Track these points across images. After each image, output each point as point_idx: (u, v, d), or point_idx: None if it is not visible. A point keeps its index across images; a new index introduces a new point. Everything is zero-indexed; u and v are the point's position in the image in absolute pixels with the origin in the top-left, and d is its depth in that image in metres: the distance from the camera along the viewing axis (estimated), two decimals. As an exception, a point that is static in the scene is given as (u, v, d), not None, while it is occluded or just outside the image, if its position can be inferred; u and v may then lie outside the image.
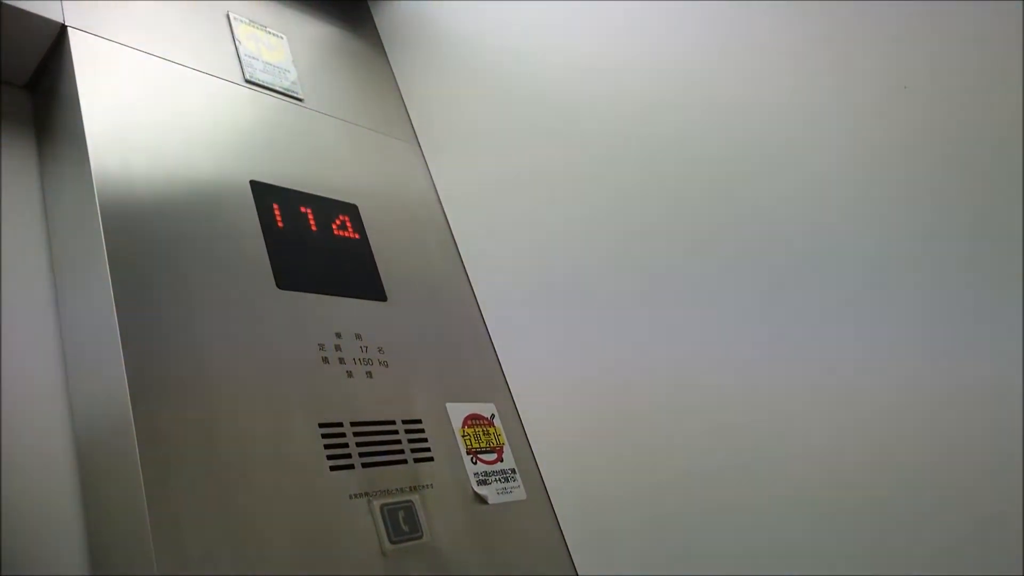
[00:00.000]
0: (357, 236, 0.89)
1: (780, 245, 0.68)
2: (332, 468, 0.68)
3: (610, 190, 0.83)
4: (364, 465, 0.70)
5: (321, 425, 0.69)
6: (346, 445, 0.70)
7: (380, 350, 0.80)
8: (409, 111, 1.13)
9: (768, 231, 0.69)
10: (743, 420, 0.70)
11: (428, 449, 0.77)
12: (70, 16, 0.76)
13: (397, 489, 0.71)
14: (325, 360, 0.74)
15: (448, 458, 0.79)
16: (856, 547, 0.62)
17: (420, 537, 0.70)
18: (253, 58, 0.94)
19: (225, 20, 0.95)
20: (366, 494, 0.69)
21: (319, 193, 0.88)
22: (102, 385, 0.62)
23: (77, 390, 0.67)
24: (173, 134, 0.77)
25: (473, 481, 0.79)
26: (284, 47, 1.01)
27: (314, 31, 1.09)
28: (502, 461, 0.85)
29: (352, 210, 0.91)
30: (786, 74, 0.69)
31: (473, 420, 0.85)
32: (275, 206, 0.81)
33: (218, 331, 0.67)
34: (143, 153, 0.73)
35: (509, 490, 0.82)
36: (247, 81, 0.91)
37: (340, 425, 0.71)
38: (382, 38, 1.20)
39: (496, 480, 0.82)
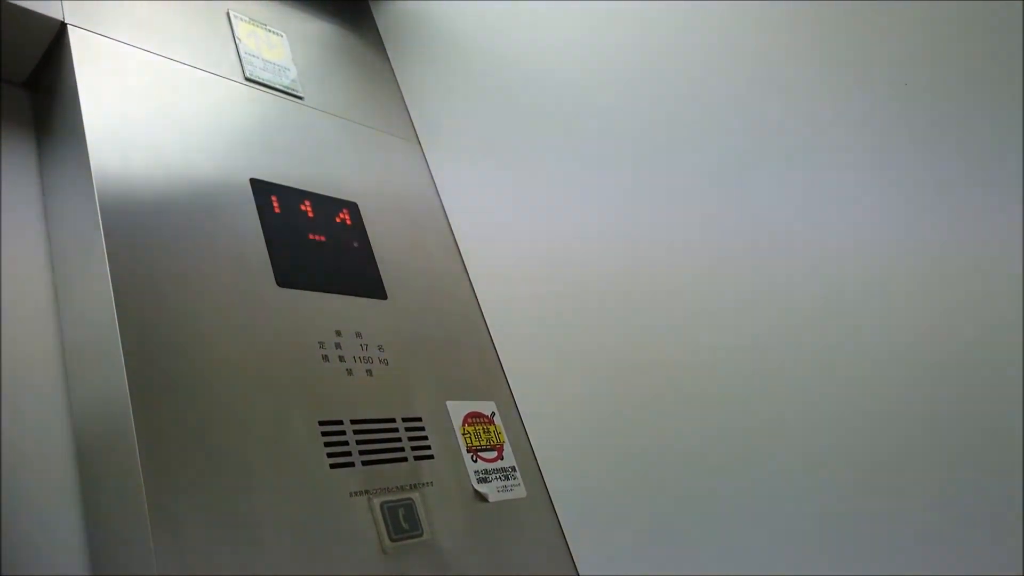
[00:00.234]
0: (357, 234, 0.89)
1: (785, 244, 0.68)
2: (332, 466, 0.68)
3: (611, 188, 0.83)
4: (364, 463, 0.70)
5: (321, 423, 0.69)
6: (346, 443, 0.70)
7: (380, 348, 0.80)
8: (409, 109, 1.13)
9: (769, 231, 0.69)
10: (745, 420, 0.70)
11: (428, 447, 0.77)
12: (70, 14, 0.76)
13: (397, 487, 0.71)
14: (325, 358, 0.74)
15: (448, 456, 0.79)
16: (860, 546, 0.62)
17: (420, 535, 0.70)
18: (253, 56, 0.94)
19: (225, 18, 0.95)
20: (366, 492, 0.69)
21: (319, 191, 0.88)
22: (102, 383, 0.62)
23: (77, 388, 0.67)
24: (173, 132, 0.77)
25: (473, 479, 0.79)
26: (284, 45, 1.01)
27: (314, 29, 1.09)
28: (502, 459, 0.85)
29: (352, 208, 0.91)
30: (787, 73, 0.69)
31: (473, 418, 0.85)
32: (275, 204, 0.81)
33: (218, 329, 0.67)
34: (143, 151, 0.73)
35: (509, 488, 0.82)
36: (247, 79, 0.91)
37: (340, 423, 0.71)
38: (382, 36, 1.20)
39: (496, 478, 0.82)
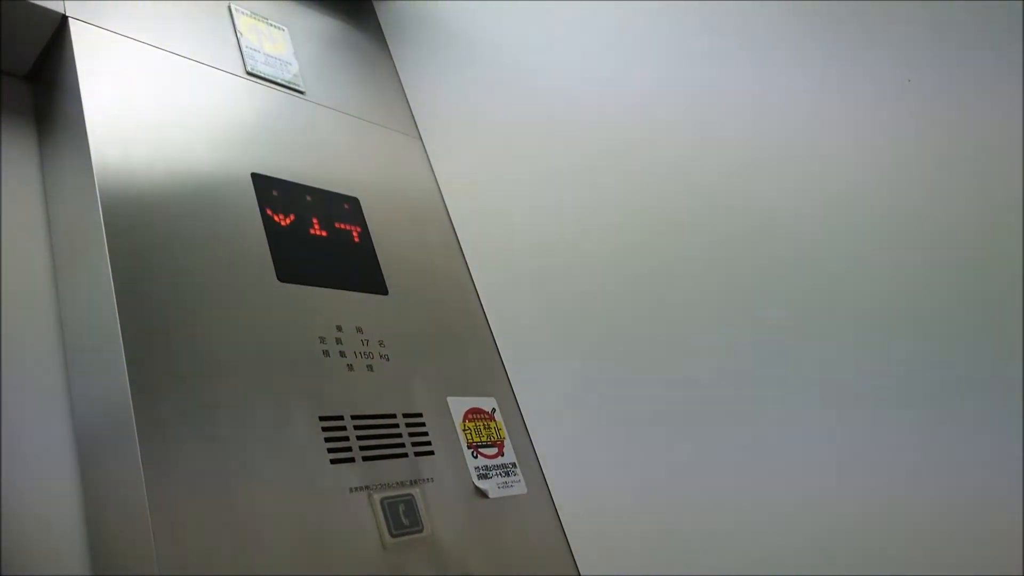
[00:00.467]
0: (359, 229, 0.88)
1: (782, 243, 0.68)
2: (333, 461, 0.67)
3: (613, 183, 0.83)
4: (365, 458, 0.70)
5: (322, 418, 0.69)
6: (347, 438, 0.70)
7: (381, 343, 0.80)
8: (411, 105, 1.13)
9: (769, 228, 0.69)
10: (746, 419, 0.70)
11: (429, 443, 0.77)
12: (71, 7, 0.76)
13: (397, 483, 0.71)
14: (326, 353, 0.74)
15: (449, 452, 0.79)
16: (860, 544, 0.61)
17: (420, 531, 0.70)
18: (255, 50, 0.94)
19: (227, 12, 0.95)
20: (367, 487, 0.69)
21: (321, 186, 0.88)
22: (102, 378, 0.62)
23: (77, 383, 0.67)
24: (174, 126, 0.77)
25: (474, 475, 0.79)
26: (286, 39, 1.01)
27: (316, 24, 1.09)
28: (503, 455, 0.84)
29: (354, 203, 0.90)
30: (788, 71, 0.68)
31: (474, 414, 0.85)
32: (276, 198, 0.81)
33: (219, 323, 0.67)
34: (144, 145, 0.72)
35: (510, 484, 0.82)
36: (248, 73, 0.91)
37: (341, 418, 0.71)
38: (384, 31, 1.20)
39: (497, 474, 0.82)
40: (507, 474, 0.83)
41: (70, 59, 0.73)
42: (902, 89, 0.61)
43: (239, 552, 0.57)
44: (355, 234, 0.88)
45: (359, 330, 0.79)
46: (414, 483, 0.73)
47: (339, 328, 0.77)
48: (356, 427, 0.72)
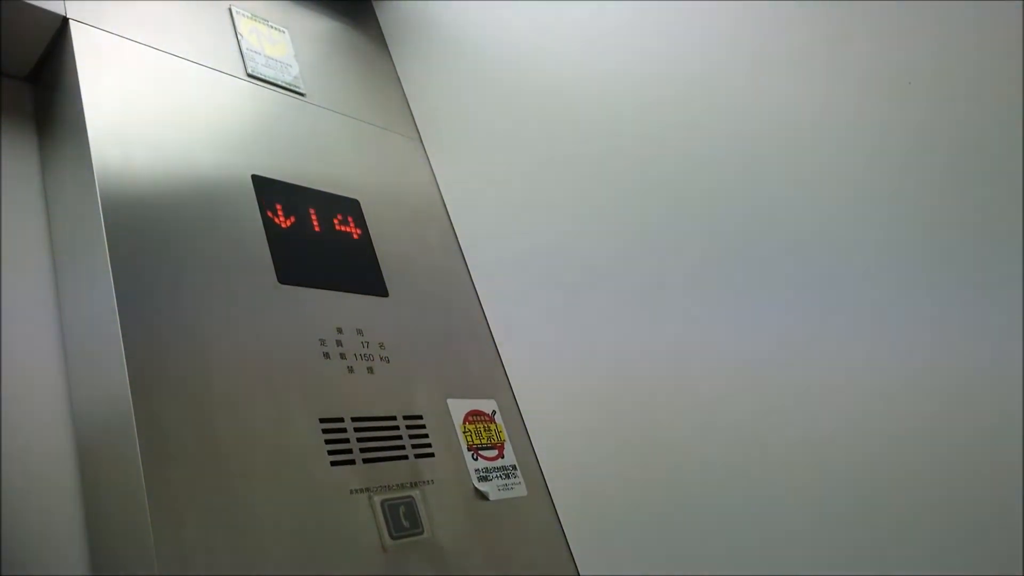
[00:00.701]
0: (359, 231, 0.88)
1: (783, 241, 0.68)
2: (333, 463, 0.67)
3: (613, 186, 0.83)
4: (365, 460, 0.70)
5: (322, 420, 0.69)
6: (347, 440, 0.70)
7: (381, 345, 0.80)
8: (411, 107, 1.13)
9: (772, 227, 0.69)
10: (745, 417, 0.70)
11: (429, 445, 0.77)
12: (72, 9, 0.76)
13: (398, 485, 0.71)
14: (326, 355, 0.74)
15: (449, 454, 0.79)
16: (858, 545, 0.61)
17: (421, 533, 0.70)
18: (255, 52, 0.94)
19: (227, 14, 0.95)
20: (367, 489, 0.68)
21: (321, 188, 0.88)
22: (103, 379, 0.62)
23: (77, 384, 0.67)
24: (175, 128, 0.77)
25: (474, 477, 0.79)
26: (286, 42, 1.01)
27: (316, 26, 1.09)
28: (503, 457, 0.84)
29: (354, 205, 0.91)
30: (789, 70, 0.68)
31: (474, 416, 0.85)
32: (277, 200, 0.81)
33: (219, 325, 0.67)
34: (144, 146, 0.72)
35: (510, 486, 0.82)
36: (249, 75, 0.91)
37: (341, 420, 0.71)
38: (384, 33, 1.20)
39: (497, 476, 0.82)
40: (507, 476, 0.83)
41: (71, 61, 0.73)
42: (903, 91, 0.61)
43: (239, 554, 0.57)
44: (355, 236, 0.88)
45: (359, 332, 0.79)
46: (414, 485, 0.73)
47: (339, 330, 0.77)
48: (356, 429, 0.71)
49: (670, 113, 0.78)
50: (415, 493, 0.72)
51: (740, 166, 0.72)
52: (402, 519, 0.69)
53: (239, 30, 0.94)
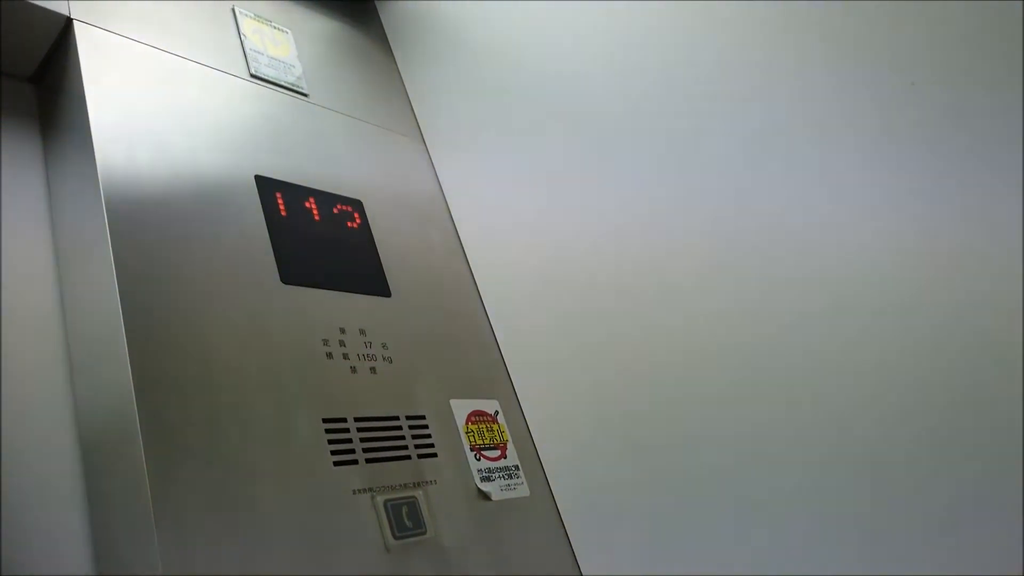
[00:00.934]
0: (362, 231, 0.88)
1: (787, 242, 0.68)
2: (336, 463, 0.67)
3: (615, 186, 0.83)
4: (368, 461, 0.70)
5: (325, 420, 0.69)
6: (350, 440, 0.70)
7: (384, 346, 0.80)
8: (414, 107, 1.13)
9: (775, 228, 0.69)
10: (751, 418, 0.70)
11: (432, 445, 0.77)
12: (76, 9, 0.76)
13: (400, 485, 0.71)
14: (329, 355, 0.74)
15: (452, 454, 0.79)
16: (865, 546, 0.61)
17: (423, 533, 0.70)
18: (258, 53, 0.94)
19: (231, 15, 0.95)
20: (369, 489, 0.68)
21: (324, 188, 0.88)
22: (106, 379, 0.62)
23: (81, 385, 0.67)
24: (178, 128, 0.77)
25: (476, 477, 0.79)
26: (289, 42, 1.01)
27: (319, 27, 1.09)
28: (506, 458, 0.84)
29: (357, 205, 0.91)
30: (789, 74, 0.68)
31: (477, 416, 0.85)
32: (280, 201, 0.81)
33: (222, 325, 0.67)
34: (148, 147, 0.72)
35: (512, 487, 0.82)
36: (252, 76, 0.91)
37: (344, 420, 0.71)
38: (387, 34, 1.20)
39: (499, 477, 0.82)
40: (510, 476, 0.83)
41: (74, 61, 0.73)
42: (904, 92, 0.61)
43: (243, 555, 0.57)
44: (358, 236, 0.88)
45: (362, 332, 0.79)
46: (417, 485, 0.73)
47: (342, 330, 0.77)
48: (359, 429, 0.72)
49: (671, 112, 0.78)
50: (418, 493, 0.72)
51: (741, 163, 0.72)
52: (405, 519, 0.69)
53: (242, 30, 0.94)
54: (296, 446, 0.65)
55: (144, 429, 0.57)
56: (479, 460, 0.81)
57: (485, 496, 0.78)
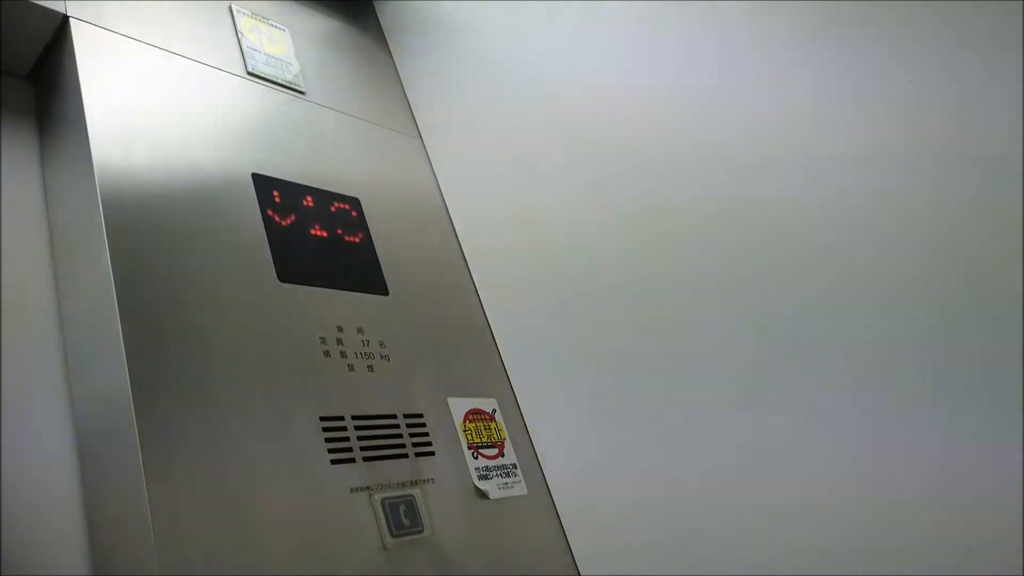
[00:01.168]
0: (359, 230, 0.88)
1: (785, 241, 0.68)
2: (333, 462, 0.67)
3: (614, 183, 0.83)
4: (365, 459, 0.70)
5: (322, 419, 0.69)
6: (347, 439, 0.70)
7: (382, 344, 0.80)
8: (412, 105, 1.13)
9: (774, 226, 0.69)
10: (746, 416, 0.70)
11: (429, 443, 0.77)
12: (72, 6, 0.76)
13: (398, 483, 0.71)
14: (327, 354, 0.74)
15: (449, 453, 0.79)
16: (861, 545, 0.61)
17: (421, 531, 0.70)
18: (255, 50, 0.94)
19: (228, 12, 0.95)
20: (367, 488, 0.68)
21: (321, 186, 0.88)
22: (103, 377, 0.62)
23: (77, 383, 0.67)
24: (175, 126, 0.77)
25: (474, 476, 0.79)
26: (286, 40, 1.01)
27: (316, 24, 1.09)
28: (503, 456, 0.84)
29: (354, 203, 0.90)
30: (791, 73, 0.68)
31: (474, 415, 0.85)
32: (277, 199, 0.81)
33: (219, 323, 0.67)
34: (145, 145, 0.72)
35: (510, 485, 0.82)
36: (249, 73, 0.91)
37: (341, 419, 0.71)
38: (385, 31, 1.20)
39: (497, 475, 0.82)
40: (507, 475, 0.83)
41: (71, 59, 0.73)
42: (904, 90, 0.61)
43: (240, 552, 0.57)
44: (355, 234, 0.87)
45: (360, 330, 0.79)
46: (415, 483, 0.73)
47: (340, 328, 0.77)
48: (357, 427, 0.71)
49: (672, 112, 0.78)
50: (415, 491, 0.72)
51: (742, 162, 0.72)
52: (402, 517, 0.69)
53: (239, 28, 0.94)
54: (293, 444, 0.65)
55: (141, 427, 0.56)
56: (477, 458, 0.81)
57: (483, 494, 0.79)
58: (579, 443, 0.84)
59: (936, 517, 0.57)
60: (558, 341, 0.87)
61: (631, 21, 0.82)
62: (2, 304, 0.66)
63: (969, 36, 0.58)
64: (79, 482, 0.64)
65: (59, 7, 0.75)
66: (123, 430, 0.57)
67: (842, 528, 0.63)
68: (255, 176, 0.81)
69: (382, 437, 0.73)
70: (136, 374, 0.59)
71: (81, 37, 0.74)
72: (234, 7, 0.96)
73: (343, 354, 0.76)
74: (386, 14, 1.20)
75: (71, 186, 0.71)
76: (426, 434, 0.78)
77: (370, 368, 0.77)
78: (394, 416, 0.76)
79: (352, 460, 0.69)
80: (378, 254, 0.88)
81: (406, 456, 0.74)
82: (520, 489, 0.83)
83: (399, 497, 0.70)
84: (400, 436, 0.75)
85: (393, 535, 0.67)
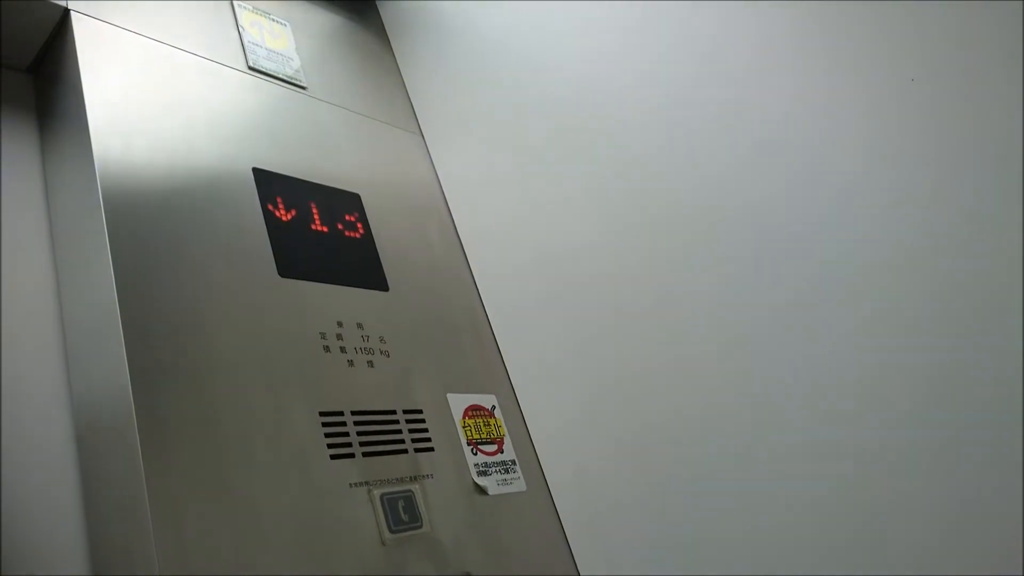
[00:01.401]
0: (359, 225, 0.88)
1: (784, 240, 0.68)
2: (333, 457, 0.67)
3: (614, 180, 0.83)
4: (365, 454, 0.70)
5: (322, 414, 0.69)
6: (347, 434, 0.70)
7: (381, 339, 0.80)
8: (412, 100, 1.13)
9: (773, 224, 0.69)
10: (744, 413, 0.70)
11: (429, 439, 0.77)
12: (73, 0, 0.76)
13: (397, 479, 0.71)
14: (327, 349, 0.74)
15: (448, 448, 0.79)
16: (864, 543, 0.61)
17: (420, 527, 0.70)
18: (256, 45, 0.94)
19: (229, 7, 0.95)
20: (366, 483, 0.69)
21: (322, 182, 0.88)
22: (103, 371, 0.62)
23: (78, 376, 0.67)
24: (176, 120, 0.77)
25: (473, 472, 0.79)
26: (288, 35, 1.00)
27: (318, 19, 1.09)
28: (502, 452, 0.84)
29: (355, 199, 0.90)
30: (790, 69, 0.68)
31: (474, 411, 0.85)
32: (277, 194, 0.81)
33: (219, 318, 0.67)
34: (145, 139, 0.72)
35: (509, 481, 0.82)
36: (250, 68, 0.91)
37: (341, 414, 0.71)
38: (386, 27, 1.20)
39: (496, 471, 0.82)
40: (506, 471, 0.83)
41: (72, 53, 0.73)
42: (906, 88, 0.61)
43: (239, 548, 0.57)
44: (356, 230, 0.87)
45: (360, 326, 0.79)
46: (414, 479, 0.73)
47: (340, 324, 0.77)
48: (356, 423, 0.72)
49: (673, 109, 0.78)
50: (414, 487, 0.72)
51: (743, 161, 0.72)
52: (401, 513, 0.69)
53: (240, 23, 0.94)
54: (293, 439, 0.65)
55: (140, 424, 0.56)
56: (476, 454, 0.81)
57: (482, 490, 0.79)
58: (578, 439, 0.84)
59: (936, 517, 0.57)
60: (558, 337, 0.88)
61: (631, 21, 0.82)
62: (2, 297, 0.66)
63: (969, 36, 0.58)
64: (79, 479, 0.64)
65: (60, 0, 0.74)
66: (123, 426, 0.57)
67: (842, 528, 0.63)
68: (256, 171, 0.81)
69: (381, 432, 0.73)
70: (136, 370, 0.59)
71: (82, 31, 0.74)
72: (236, 2, 0.95)
73: (343, 349, 0.76)
74: (387, 10, 1.20)
75: (71, 180, 0.71)
76: (425, 430, 0.78)
77: (370, 363, 0.77)
78: (393, 412, 0.76)
79: (351, 455, 0.69)
80: (378, 250, 0.88)
81: (405, 452, 0.74)
82: (519, 485, 0.83)
83: (398, 492, 0.70)
84: (399, 432, 0.75)
85: (392, 530, 0.67)
